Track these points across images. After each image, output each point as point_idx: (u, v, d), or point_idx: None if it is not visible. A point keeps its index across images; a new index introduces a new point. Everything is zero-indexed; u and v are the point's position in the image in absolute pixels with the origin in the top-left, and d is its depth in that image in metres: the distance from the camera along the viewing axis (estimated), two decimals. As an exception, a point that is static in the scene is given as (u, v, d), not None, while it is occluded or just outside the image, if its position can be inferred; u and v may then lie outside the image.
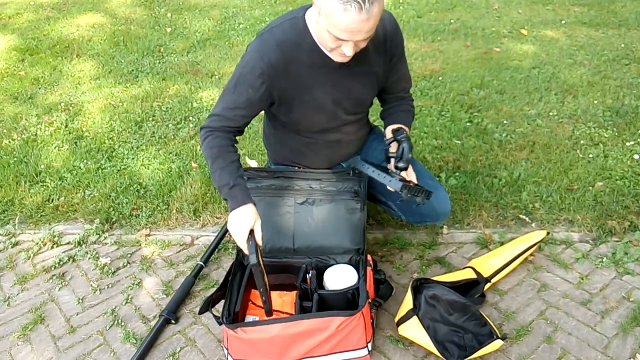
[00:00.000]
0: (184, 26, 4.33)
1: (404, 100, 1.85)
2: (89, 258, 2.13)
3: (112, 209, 2.38)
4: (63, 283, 2.02)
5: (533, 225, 2.16)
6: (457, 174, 2.45)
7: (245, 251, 1.46)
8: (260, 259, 1.45)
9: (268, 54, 1.52)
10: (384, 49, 1.62)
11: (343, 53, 1.44)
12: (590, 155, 2.53)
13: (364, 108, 1.80)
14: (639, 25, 3.98)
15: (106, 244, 2.21)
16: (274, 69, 1.52)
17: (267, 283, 1.51)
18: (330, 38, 1.40)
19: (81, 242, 2.21)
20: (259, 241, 1.49)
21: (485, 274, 1.85)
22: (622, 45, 3.65)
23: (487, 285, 1.84)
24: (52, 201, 2.46)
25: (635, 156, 2.50)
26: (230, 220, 1.50)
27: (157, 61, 3.77)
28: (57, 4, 5.04)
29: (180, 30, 4.27)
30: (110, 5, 4.88)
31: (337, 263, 1.76)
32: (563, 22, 4.09)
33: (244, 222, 1.48)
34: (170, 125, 2.99)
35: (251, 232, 1.47)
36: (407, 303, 1.66)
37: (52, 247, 2.20)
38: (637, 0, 4.51)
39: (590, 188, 2.32)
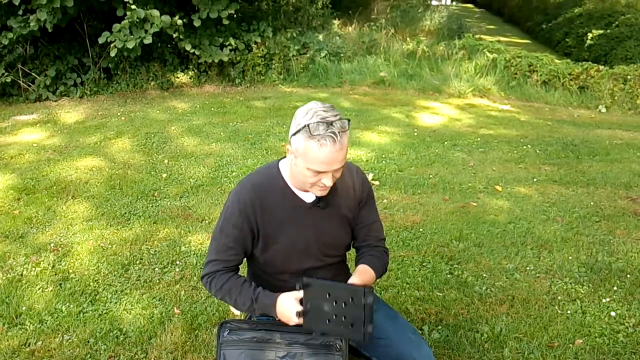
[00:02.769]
0: (179, 172, 4.56)
1: (376, 248, 1.92)
2: (59, 410, 2.04)
3: (89, 355, 2.33)
4: None
5: (516, 384, 2.14)
6: (439, 327, 2.47)
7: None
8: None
9: (244, 195, 1.74)
10: (353, 194, 1.82)
11: (323, 185, 1.64)
12: (569, 312, 2.58)
13: (339, 251, 1.90)
14: (605, 184, 4.28)
15: (78, 394, 2.13)
16: (249, 207, 1.72)
17: None
18: (310, 174, 1.61)
19: (52, 391, 2.13)
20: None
21: None
22: (592, 203, 3.89)
23: None
24: (28, 345, 2.40)
25: (612, 313, 2.56)
26: (279, 311, 1.66)
27: (150, 205, 3.91)
28: (59, 146, 5.32)
29: (175, 176, 4.49)
30: (110, 150, 5.16)
31: (317, 422, 1.70)
32: (535, 179, 4.39)
33: (289, 304, 1.63)
34: (156, 268, 3.03)
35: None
36: None
37: (21, 397, 2.11)
38: (602, 161, 4.88)
39: (571, 345, 2.33)
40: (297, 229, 1.77)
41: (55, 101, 7.21)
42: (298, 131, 1.58)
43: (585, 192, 4.12)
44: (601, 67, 7.62)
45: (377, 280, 1.94)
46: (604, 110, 7.19)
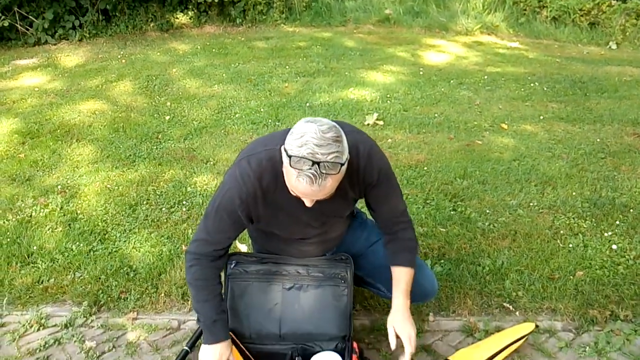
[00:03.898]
0: (182, 114, 4.53)
1: (398, 224, 1.81)
2: (75, 341, 2.12)
3: (101, 291, 2.40)
4: (46, 367, 2.00)
5: (517, 313, 2.20)
6: (442, 261, 2.51)
7: None
8: None
9: (246, 185, 1.59)
10: (357, 177, 1.65)
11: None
12: (570, 245, 2.61)
13: (340, 225, 1.87)
14: (612, 121, 4.23)
15: (93, 327, 2.21)
16: (251, 198, 1.61)
17: None
18: (291, 188, 1.47)
19: (68, 324, 2.21)
20: None
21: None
22: (598, 140, 3.86)
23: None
24: (41, 282, 2.47)
25: (614, 246, 2.59)
26: (203, 354, 1.63)
27: (155, 147, 3.91)
28: (60, 90, 5.27)
29: (178, 118, 4.46)
30: (112, 93, 5.12)
31: (323, 350, 1.77)
32: (541, 117, 4.34)
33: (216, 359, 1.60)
34: (163, 209, 3.06)
35: None
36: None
37: (38, 329, 2.19)
38: (610, 98, 4.80)
39: (571, 277, 2.38)
40: (299, 211, 1.63)
41: (55, 45, 7.09)
42: (286, 150, 1.41)
43: (591, 129, 4.08)
44: (613, 2, 7.35)
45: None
46: (614, 46, 7.00)
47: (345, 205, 1.75)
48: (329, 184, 1.39)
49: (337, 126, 1.41)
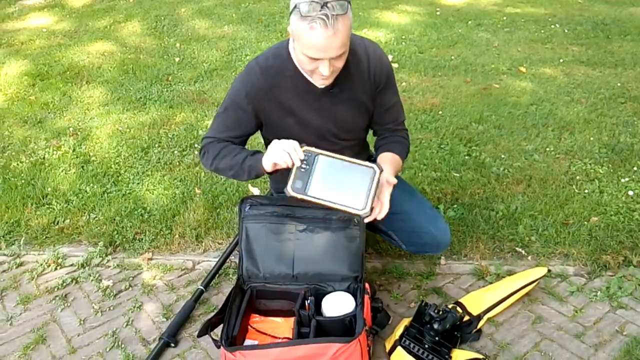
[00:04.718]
0: (192, 56, 4.45)
1: (397, 132, 1.87)
2: (92, 280, 2.16)
3: (116, 232, 2.43)
4: (65, 304, 2.05)
5: (529, 258, 2.20)
6: (455, 206, 2.50)
7: (300, 155, 1.52)
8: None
9: (252, 79, 1.65)
10: (368, 78, 1.70)
11: (321, 74, 1.53)
12: (586, 191, 2.58)
13: (355, 135, 1.85)
14: (635, 65, 4.09)
15: (109, 266, 2.25)
16: (257, 91, 1.66)
17: None
18: (306, 60, 1.51)
19: (84, 264, 2.25)
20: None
21: (480, 310, 1.88)
22: (619, 84, 3.74)
23: (482, 322, 1.87)
24: (57, 223, 2.51)
25: (630, 192, 2.55)
26: (274, 148, 1.55)
27: (165, 89, 3.86)
28: (68, 31, 5.18)
29: (188, 60, 4.39)
30: (121, 34, 5.02)
31: (335, 290, 1.79)
32: (561, 60, 4.20)
33: (287, 140, 1.55)
34: (175, 152, 3.06)
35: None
36: (394, 335, 1.73)
37: (55, 269, 2.24)
38: (633, 41, 4.63)
39: (586, 223, 2.36)
40: (308, 114, 1.70)
41: (60, -17, 6.92)
42: (292, 10, 1.46)
43: (612, 73, 3.96)
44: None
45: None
46: (641, -14, 6.69)
47: (358, 112, 1.76)
48: (341, 29, 1.43)
49: None
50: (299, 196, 1.56)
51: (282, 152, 1.53)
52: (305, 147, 1.55)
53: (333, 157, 1.57)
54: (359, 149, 1.91)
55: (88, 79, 4.08)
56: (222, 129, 1.73)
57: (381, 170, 1.56)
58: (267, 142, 1.87)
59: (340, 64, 1.55)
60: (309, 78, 1.65)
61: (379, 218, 1.61)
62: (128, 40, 4.87)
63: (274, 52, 1.68)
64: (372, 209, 1.57)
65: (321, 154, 1.56)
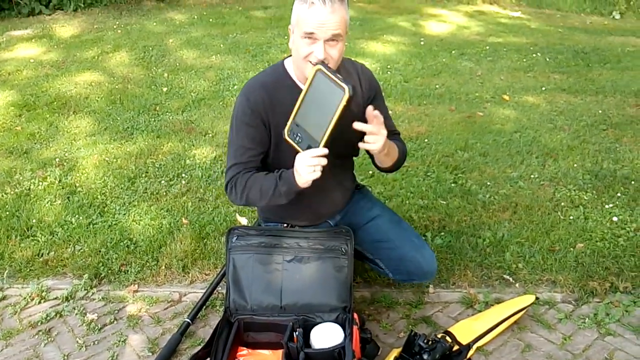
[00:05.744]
0: (179, 86, 4.48)
1: (394, 137, 1.87)
2: (76, 314, 2.12)
3: (101, 264, 2.40)
4: (49, 339, 2.00)
5: (517, 285, 2.21)
6: (442, 233, 2.51)
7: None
8: None
9: (253, 94, 1.71)
10: (360, 92, 1.78)
11: (316, 58, 1.54)
12: (571, 217, 2.61)
13: (348, 150, 1.83)
14: (615, 92, 4.18)
15: (94, 299, 2.21)
16: (260, 104, 1.69)
17: None
18: (303, 43, 1.55)
19: (69, 297, 2.21)
20: None
21: (470, 339, 1.87)
22: (600, 112, 3.82)
23: (472, 351, 1.86)
24: (41, 256, 2.47)
25: (614, 218, 2.58)
26: (298, 165, 1.54)
27: (153, 119, 3.87)
28: (56, 62, 5.20)
29: (176, 90, 4.41)
30: (109, 65, 5.04)
31: (324, 321, 1.78)
32: (543, 88, 4.29)
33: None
34: (162, 181, 3.05)
35: None
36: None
37: (39, 302, 2.20)
38: (613, 69, 4.75)
39: (572, 249, 2.38)
40: None
41: (49, 15, 6.97)
42: (294, 3, 1.57)
43: (594, 101, 4.04)
44: (618, -30, 7.23)
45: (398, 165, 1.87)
46: (618, 16, 6.91)
47: (349, 124, 1.68)
48: (338, 10, 1.52)
49: None
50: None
51: (310, 169, 1.52)
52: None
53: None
54: (347, 174, 1.96)
55: (75, 109, 4.07)
56: (241, 151, 1.73)
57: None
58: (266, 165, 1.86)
59: (334, 53, 1.57)
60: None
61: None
62: (116, 70, 4.90)
63: (271, 69, 1.79)
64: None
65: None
